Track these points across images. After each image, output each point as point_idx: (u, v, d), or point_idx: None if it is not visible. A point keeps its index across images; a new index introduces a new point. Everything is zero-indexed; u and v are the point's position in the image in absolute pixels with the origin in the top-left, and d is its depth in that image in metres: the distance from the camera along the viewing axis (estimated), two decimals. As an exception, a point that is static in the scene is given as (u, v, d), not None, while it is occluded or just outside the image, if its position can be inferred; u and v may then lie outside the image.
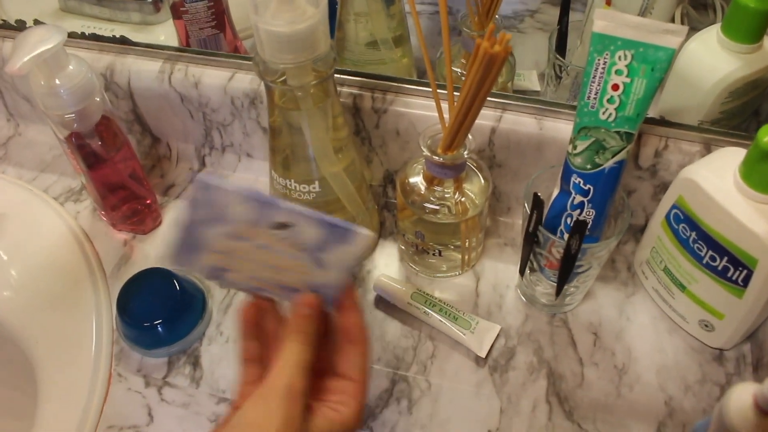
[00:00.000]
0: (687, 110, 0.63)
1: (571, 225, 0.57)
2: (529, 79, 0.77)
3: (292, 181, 0.60)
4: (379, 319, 0.65)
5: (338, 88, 0.68)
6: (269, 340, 0.48)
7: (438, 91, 0.58)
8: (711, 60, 0.60)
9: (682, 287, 0.61)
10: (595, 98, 0.54)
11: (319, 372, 0.47)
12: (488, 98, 0.61)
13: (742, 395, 0.39)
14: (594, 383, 0.61)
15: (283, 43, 0.51)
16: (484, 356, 0.62)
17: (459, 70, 0.70)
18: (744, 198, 0.53)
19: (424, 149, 0.57)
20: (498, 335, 0.63)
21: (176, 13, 0.77)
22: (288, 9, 0.50)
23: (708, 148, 0.62)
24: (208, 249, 0.45)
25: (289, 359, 0.44)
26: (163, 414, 0.60)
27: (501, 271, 0.68)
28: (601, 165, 0.55)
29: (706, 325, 0.61)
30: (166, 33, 0.81)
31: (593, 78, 0.53)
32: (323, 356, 0.47)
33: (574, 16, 0.69)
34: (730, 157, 0.55)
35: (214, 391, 0.61)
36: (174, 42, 0.77)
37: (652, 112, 0.65)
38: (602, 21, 0.52)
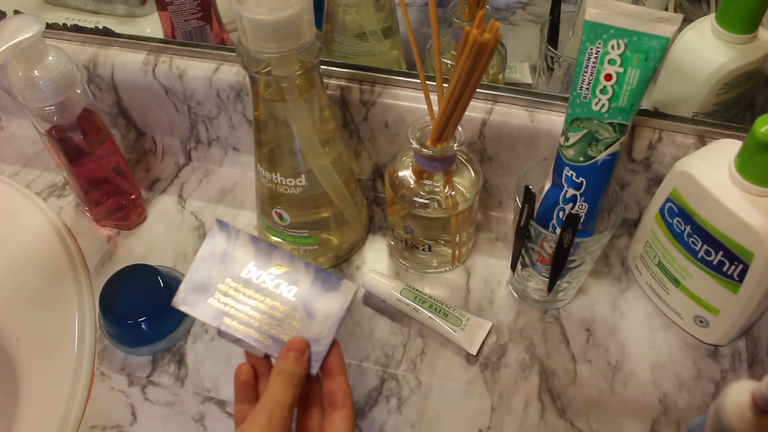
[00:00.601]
0: (681, 102, 0.62)
1: (564, 219, 0.56)
2: (521, 72, 0.76)
3: (278, 174, 0.59)
4: (367, 317, 0.64)
5: (325, 81, 0.67)
6: None
7: (427, 82, 0.56)
8: (705, 50, 0.59)
9: (676, 282, 0.60)
10: (587, 88, 0.52)
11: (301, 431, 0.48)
12: (479, 90, 0.60)
13: (740, 393, 0.37)
14: (587, 380, 0.59)
15: (267, 31, 0.50)
16: (475, 353, 0.61)
17: (449, 62, 0.69)
18: (740, 190, 0.52)
19: (413, 142, 0.56)
20: (489, 332, 0.62)
21: (161, 5, 0.75)
22: (272, -4, 0.49)
23: (702, 141, 0.61)
24: (213, 289, 0.49)
25: (272, 397, 0.44)
26: (147, 413, 0.59)
27: (492, 267, 0.67)
28: (594, 157, 0.54)
29: (701, 321, 0.60)
30: (152, 25, 0.79)
31: (585, 68, 0.52)
32: (307, 421, 0.48)
33: (566, 8, 0.68)
34: (726, 149, 0.54)
35: (199, 389, 0.60)
36: (160, 35, 0.76)
37: (645, 104, 0.64)
38: (595, 9, 0.51)
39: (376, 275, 0.64)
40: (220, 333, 0.49)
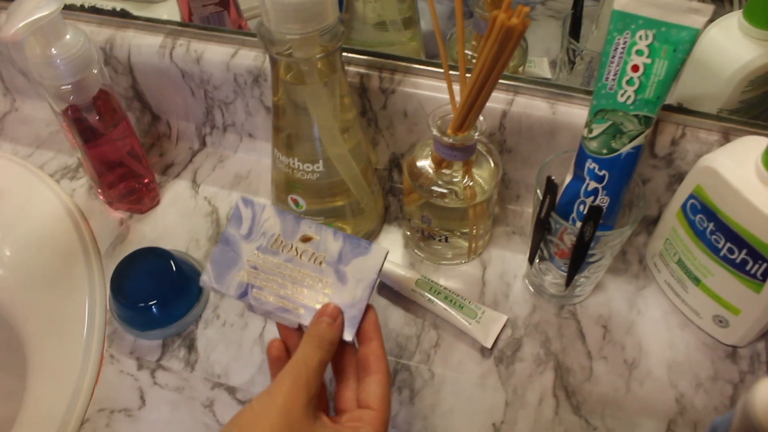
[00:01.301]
0: (705, 98, 0.61)
1: (585, 211, 0.55)
2: (540, 67, 0.75)
3: (296, 159, 0.58)
4: (381, 306, 0.63)
5: (345, 68, 0.66)
6: None
7: (450, 72, 0.55)
8: (732, 47, 0.58)
9: (696, 281, 0.59)
10: (613, 79, 0.51)
11: (338, 401, 0.47)
12: (500, 81, 0.60)
13: (768, 390, 0.37)
14: (603, 378, 0.59)
15: (290, 12, 0.49)
16: (489, 347, 0.60)
17: (470, 52, 0.68)
18: (766, 188, 0.51)
19: (434, 129, 0.55)
20: (504, 326, 0.61)
21: (179, -10, 0.75)
22: (296, -23, 0.48)
23: (727, 138, 0.60)
24: (241, 263, 0.49)
25: (299, 359, 0.44)
26: (156, 398, 0.58)
27: (508, 260, 0.66)
28: (618, 150, 0.53)
29: (721, 321, 0.59)
30: (169, 11, 0.79)
31: (612, 58, 0.51)
32: (345, 391, 0.48)
33: (588, 2, 0.67)
34: (752, 146, 0.53)
35: (208, 375, 0.59)
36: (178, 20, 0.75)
37: (669, 99, 0.63)
38: None
39: (392, 265, 0.64)
40: (251, 307, 0.49)
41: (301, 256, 0.49)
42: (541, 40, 0.76)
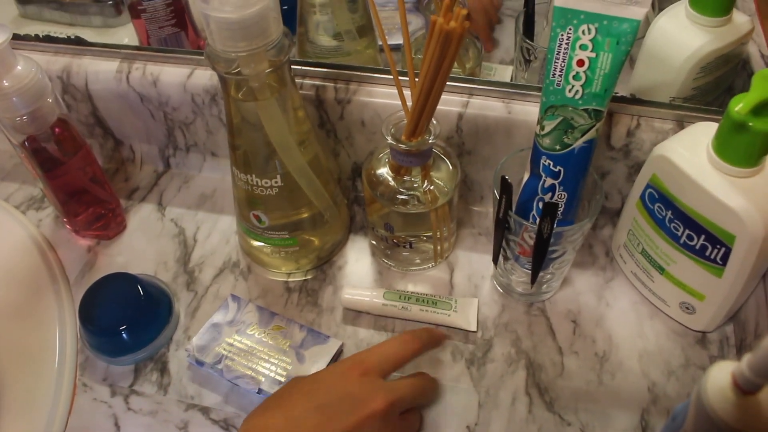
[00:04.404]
0: (659, 87, 0.62)
1: (542, 208, 0.55)
2: (503, 76, 0.75)
3: (254, 176, 0.58)
4: (349, 332, 0.63)
5: (300, 81, 0.66)
6: None
7: (400, 78, 0.56)
8: (681, 35, 0.59)
9: (660, 269, 0.59)
10: (560, 75, 0.52)
11: None
12: (454, 83, 0.60)
13: (720, 375, 0.37)
14: (575, 372, 0.59)
15: (234, 30, 0.49)
16: (474, 329, 0.61)
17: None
18: (718, 173, 0.51)
19: (388, 137, 0.55)
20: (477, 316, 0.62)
21: (134, 13, 0.75)
22: (236, -6, 0.48)
23: (681, 125, 0.60)
24: (220, 340, 0.61)
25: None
26: (130, 423, 0.58)
27: (475, 262, 0.66)
28: (571, 145, 0.53)
29: (687, 308, 0.59)
30: (129, 35, 0.79)
31: (557, 54, 0.51)
32: None
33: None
34: (703, 132, 0.54)
35: (182, 397, 0.59)
36: (137, 44, 0.75)
37: (623, 91, 0.64)
38: None
39: (353, 291, 0.63)
40: (222, 373, 0.59)
41: (270, 341, 0.60)
42: (502, 39, 0.77)
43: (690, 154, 0.53)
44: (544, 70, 0.67)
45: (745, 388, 0.35)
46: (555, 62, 0.52)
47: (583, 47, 0.50)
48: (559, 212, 0.55)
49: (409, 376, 0.55)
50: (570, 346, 0.60)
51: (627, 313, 0.62)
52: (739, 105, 0.47)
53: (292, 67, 0.64)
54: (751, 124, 0.47)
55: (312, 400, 0.49)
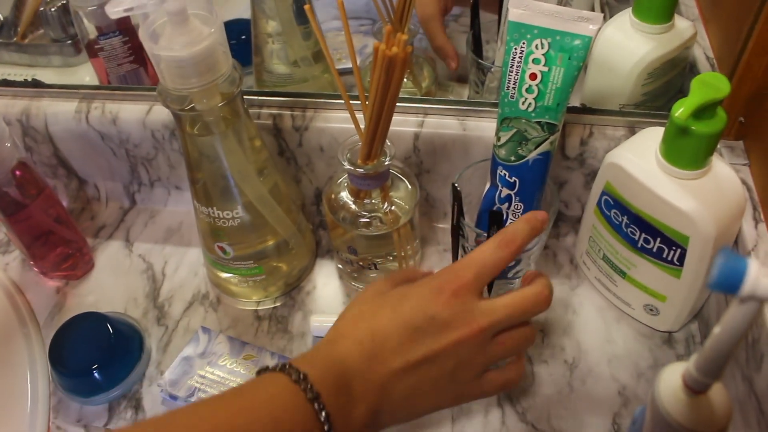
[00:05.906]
0: (609, 95, 0.63)
1: (488, 217, 0.56)
2: (460, 94, 0.76)
3: (214, 208, 0.59)
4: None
5: (257, 111, 0.67)
6: None
7: (352, 102, 0.56)
8: (627, 43, 0.60)
9: (622, 274, 0.60)
10: (514, 88, 0.53)
11: None
12: (409, 104, 0.61)
13: (672, 376, 0.38)
14: (545, 381, 0.59)
15: (185, 67, 0.50)
16: None
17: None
18: (667, 176, 0.52)
19: (345, 162, 0.56)
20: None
21: (92, 52, 0.75)
22: (182, 32, 0.49)
23: (632, 131, 0.62)
24: (193, 373, 0.61)
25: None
26: (106, 463, 0.58)
27: (442, 278, 0.67)
28: (525, 156, 0.54)
29: (651, 309, 0.60)
30: (89, 73, 0.80)
31: (511, 67, 0.52)
32: None
33: (491, 17, 0.68)
34: (652, 137, 0.55)
35: (157, 433, 0.59)
36: (97, 82, 0.76)
37: (575, 100, 0.65)
38: (518, 9, 0.51)
39: (321, 318, 0.64)
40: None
41: (242, 370, 0.61)
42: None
43: (640, 159, 0.54)
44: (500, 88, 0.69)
45: (694, 388, 0.36)
46: (509, 75, 0.53)
47: (535, 61, 0.52)
48: (507, 221, 0.56)
49: (508, 293, 0.48)
50: (539, 355, 0.61)
51: (594, 318, 0.63)
52: (680, 110, 0.48)
53: (248, 97, 0.65)
54: (693, 128, 0.48)
55: (399, 315, 0.46)
